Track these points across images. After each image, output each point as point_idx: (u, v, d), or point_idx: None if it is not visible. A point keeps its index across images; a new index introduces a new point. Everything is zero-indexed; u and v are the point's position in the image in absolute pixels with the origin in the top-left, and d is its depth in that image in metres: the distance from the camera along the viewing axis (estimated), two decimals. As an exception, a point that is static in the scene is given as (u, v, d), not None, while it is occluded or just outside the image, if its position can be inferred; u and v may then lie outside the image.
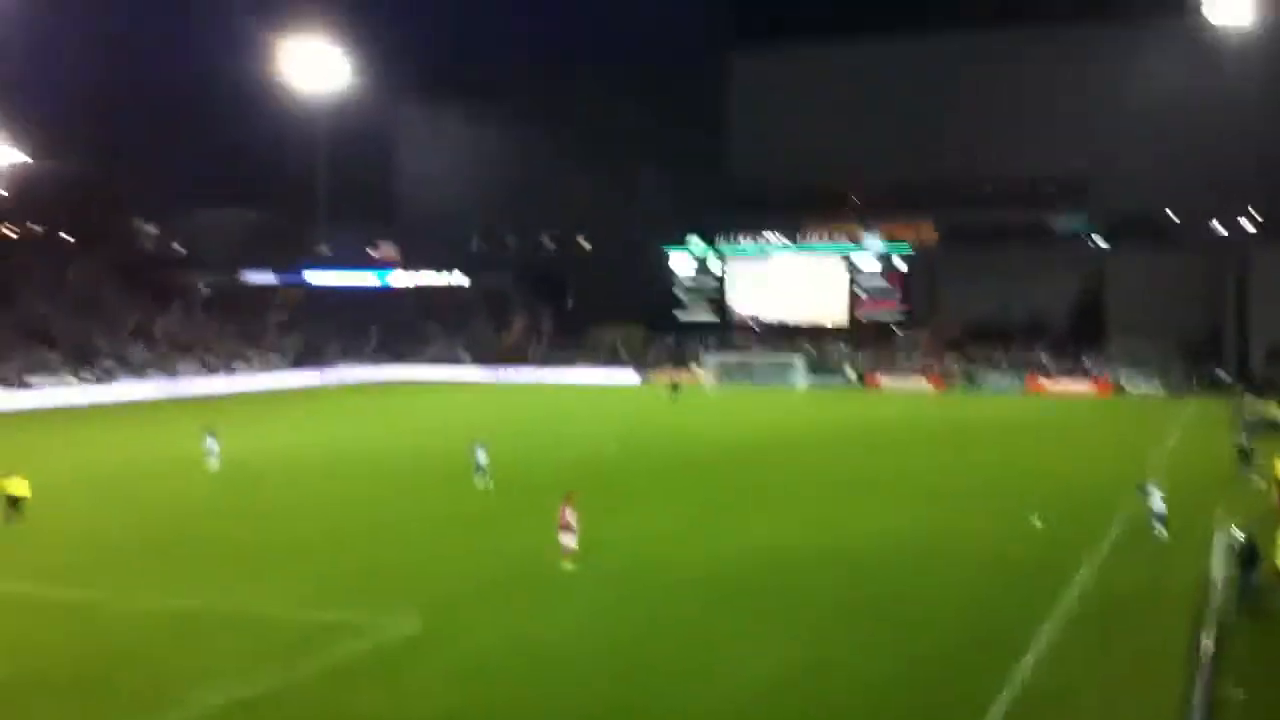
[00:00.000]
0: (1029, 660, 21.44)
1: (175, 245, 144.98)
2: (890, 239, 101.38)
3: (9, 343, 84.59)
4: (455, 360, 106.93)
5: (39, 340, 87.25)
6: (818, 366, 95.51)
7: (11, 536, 32.14)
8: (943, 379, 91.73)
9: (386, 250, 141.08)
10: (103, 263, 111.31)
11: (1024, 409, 74.37)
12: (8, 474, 33.67)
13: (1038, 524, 33.39)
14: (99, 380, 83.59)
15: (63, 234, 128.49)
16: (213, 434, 46.64)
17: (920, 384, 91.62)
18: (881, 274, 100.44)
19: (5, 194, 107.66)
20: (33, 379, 79.98)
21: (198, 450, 46.43)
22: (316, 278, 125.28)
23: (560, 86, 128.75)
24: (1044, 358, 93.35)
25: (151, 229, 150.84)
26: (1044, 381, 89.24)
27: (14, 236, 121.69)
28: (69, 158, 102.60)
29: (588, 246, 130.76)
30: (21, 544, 31.54)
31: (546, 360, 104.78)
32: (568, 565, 28.21)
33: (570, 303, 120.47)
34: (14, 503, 33.19)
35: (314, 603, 25.39)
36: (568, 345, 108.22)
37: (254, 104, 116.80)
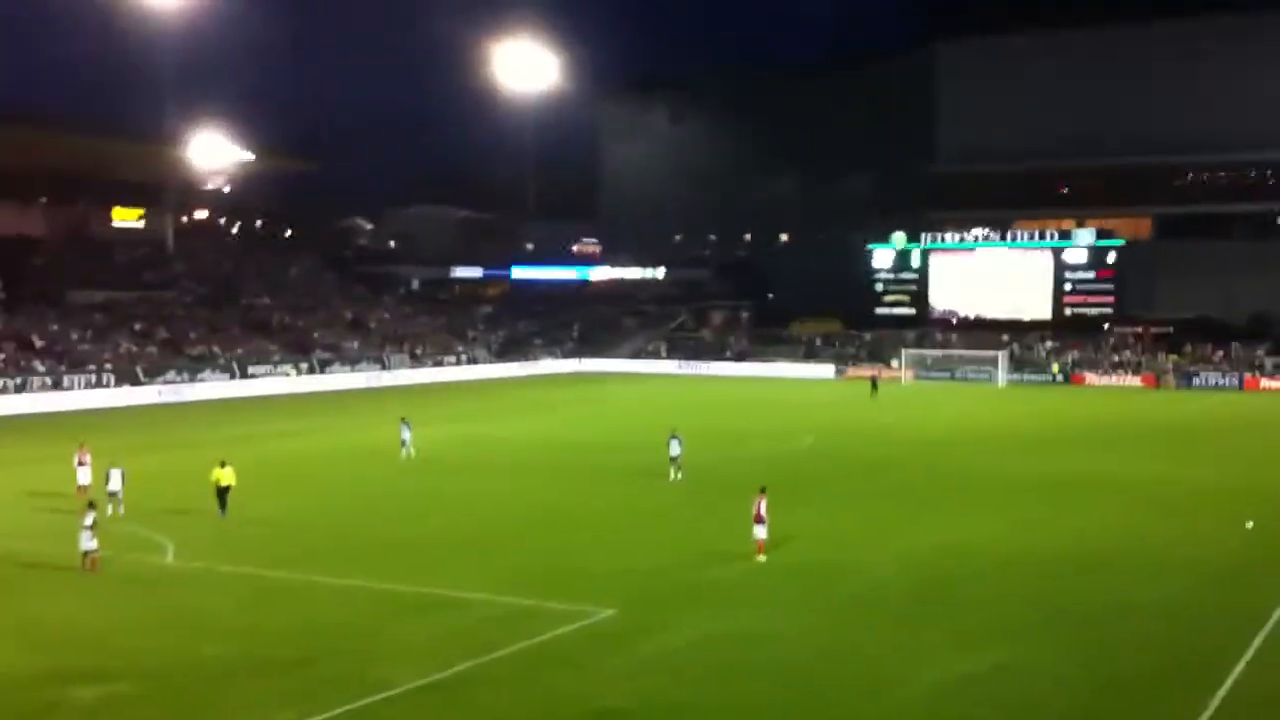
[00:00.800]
0: (1240, 670, 20.59)
1: (389, 241, 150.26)
2: (1102, 231, 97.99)
3: (232, 334, 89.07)
4: (654, 354, 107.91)
5: (260, 332, 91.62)
6: (1020, 362, 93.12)
7: (229, 519, 33.78)
8: (1155, 377, 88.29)
9: (589, 246, 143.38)
10: (320, 258, 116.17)
11: (1240, 408, 71.05)
12: (220, 464, 34.98)
13: (1249, 525, 32.02)
14: (315, 371, 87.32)
15: (282, 230, 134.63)
16: (408, 424, 48.26)
17: (1129, 381, 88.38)
18: (1090, 267, 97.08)
19: (229, 191, 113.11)
20: (254, 369, 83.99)
21: (396, 439, 48.08)
22: (521, 273, 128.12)
23: (761, 82, 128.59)
24: (1265, 357, 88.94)
25: (366, 225, 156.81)
26: (1265, 381, 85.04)
27: (237, 232, 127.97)
28: (290, 157, 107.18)
29: (787, 241, 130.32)
30: (237, 527, 33.19)
31: (745, 355, 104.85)
32: (761, 559, 28.37)
33: (769, 297, 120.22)
34: (224, 492, 34.41)
35: (509, 589, 26.03)
36: (766, 339, 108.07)
37: (465, 105, 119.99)
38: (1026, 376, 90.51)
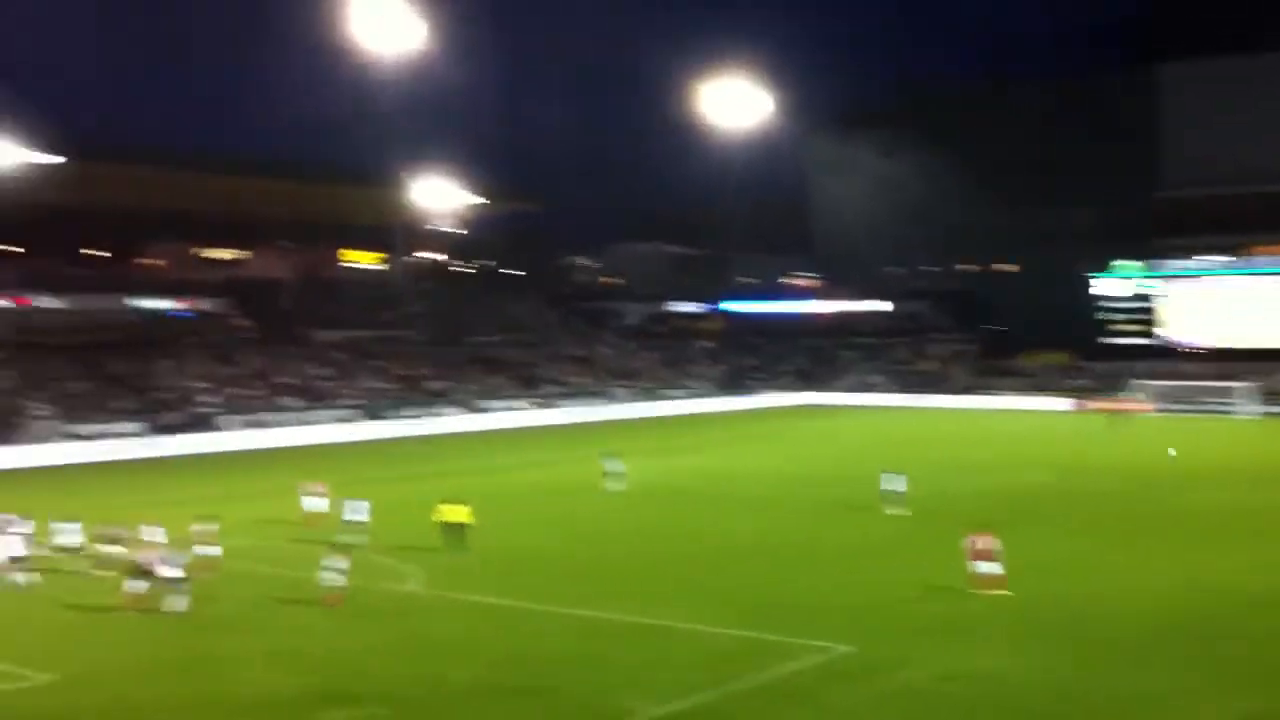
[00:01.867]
0: None
1: (608, 278, 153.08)
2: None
3: (464, 370, 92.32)
4: (873, 386, 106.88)
5: (490, 368, 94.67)
6: (1270, 394, 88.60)
7: (467, 552, 34.91)
8: None
9: (804, 279, 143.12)
10: (544, 295, 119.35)
11: None
12: (449, 501, 35.79)
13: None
14: (542, 405, 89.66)
15: (508, 269, 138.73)
16: (615, 457, 49.22)
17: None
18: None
19: (458, 233, 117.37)
20: (486, 403, 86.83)
21: (613, 470, 49.02)
22: (738, 307, 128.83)
23: (976, 109, 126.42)
24: None
25: (586, 263, 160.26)
26: None
27: (466, 272, 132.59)
28: (514, 198, 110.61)
29: (1010, 270, 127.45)
30: (475, 557, 34.29)
31: (968, 386, 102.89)
32: (985, 594, 28.01)
33: (992, 328, 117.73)
34: (456, 529, 35.04)
35: (735, 622, 26.28)
36: (989, 371, 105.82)
37: (678, 142, 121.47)
38: (1272, 409, 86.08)
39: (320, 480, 41.90)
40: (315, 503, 40.02)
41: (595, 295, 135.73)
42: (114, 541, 31.15)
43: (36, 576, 30.27)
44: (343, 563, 28.48)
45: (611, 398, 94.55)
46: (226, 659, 24.02)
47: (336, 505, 38.64)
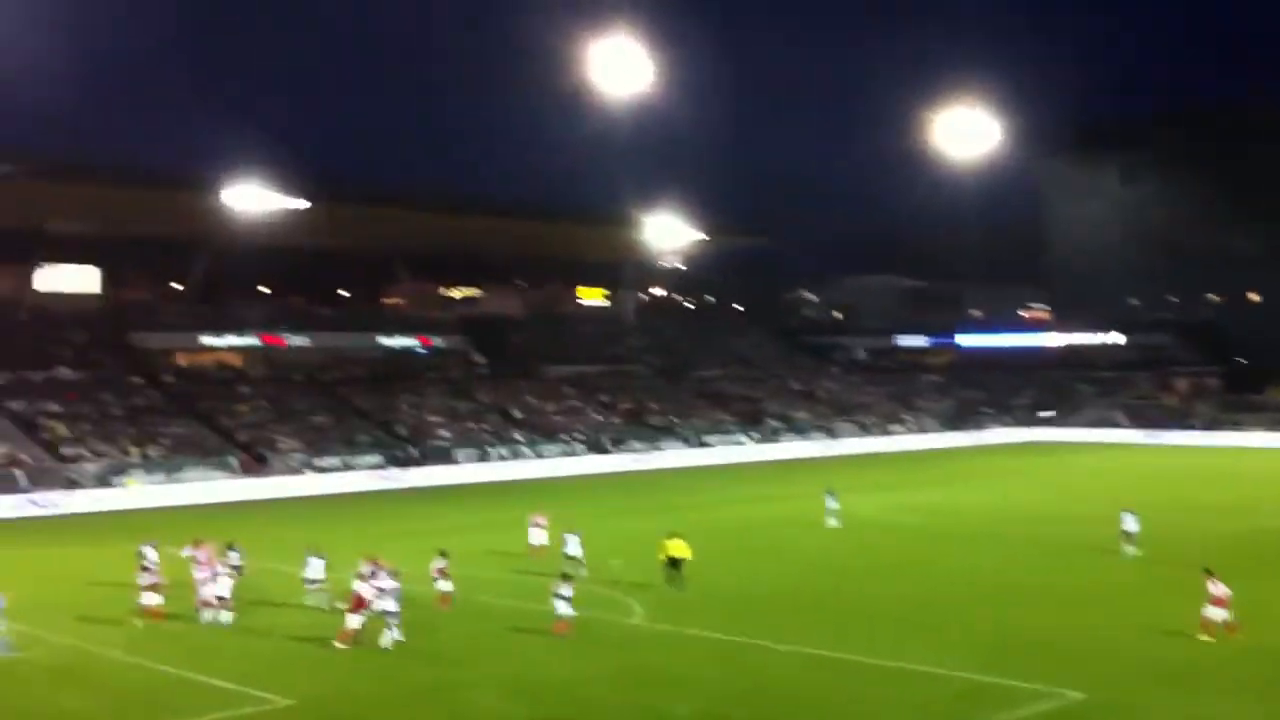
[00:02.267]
0: None
1: (833, 312, 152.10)
2: None
3: (689, 405, 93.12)
4: (1112, 422, 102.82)
5: (714, 403, 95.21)
6: None
7: (688, 586, 35.14)
8: None
9: (1038, 311, 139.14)
10: (768, 330, 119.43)
11: None
12: (671, 535, 35.81)
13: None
14: (767, 440, 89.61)
15: (732, 304, 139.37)
16: (834, 493, 48.75)
17: None
18: None
19: (683, 268, 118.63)
20: (710, 438, 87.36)
21: (836, 506, 48.50)
22: (968, 340, 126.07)
23: (1222, 128, 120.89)
24: None
25: (811, 297, 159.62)
26: None
27: (691, 308, 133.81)
28: (738, 233, 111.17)
29: (1257, 300, 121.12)
30: (697, 591, 34.44)
31: (1213, 423, 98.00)
32: (1218, 642, 26.71)
33: (1240, 362, 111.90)
34: (675, 564, 35.05)
35: (965, 664, 25.65)
36: (1235, 406, 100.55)
37: (906, 172, 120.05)
38: None
39: (546, 513, 42.91)
40: (539, 535, 41.02)
41: (821, 329, 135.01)
42: (358, 576, 32.32)
43: (227, 616, 31.00)
44: (569, 591, 28.98)
45: (836, 433, 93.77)
46: (459, 687, 24.77)
47: (557, 538, 39.47)
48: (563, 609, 28.84)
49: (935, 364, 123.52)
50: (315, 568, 32.47)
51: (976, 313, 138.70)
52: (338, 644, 27.63)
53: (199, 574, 31.64)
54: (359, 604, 28.17)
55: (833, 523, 47.79)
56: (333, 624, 29.15)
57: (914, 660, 26.04)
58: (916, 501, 57.14)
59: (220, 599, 30.78)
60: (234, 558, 33.80)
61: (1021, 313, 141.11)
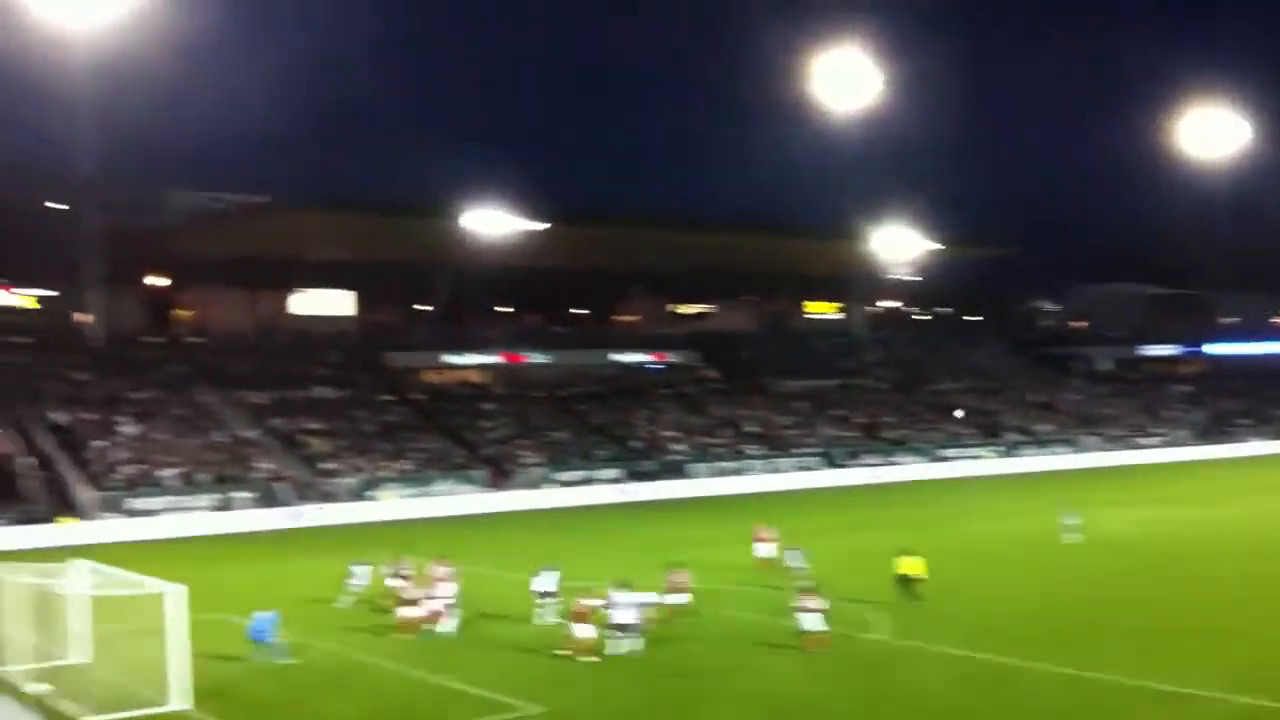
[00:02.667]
0: None
1: (1073, 322, 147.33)
2: None
3: (924, 418, 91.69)
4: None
5: (950, 416, 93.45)
6: None
7: (925, 602, 34.59)
8: None
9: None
10: (1004, 341, 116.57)
11: None
12: (903, 553, 35.26)
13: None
14: (1005, 454, 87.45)
15: (967, 315, 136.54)
16: (1072, 508, 47.22)
17: None
18: None
19: (916, 280, 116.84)
20: (946, 452, 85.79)
21: (1075, 522, 46.93)
22: (1218, 348, 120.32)
23: None
24: None
25: (1049, 306, 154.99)
26: None
27: (924, 319, 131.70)
28: (973, 244, 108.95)
29: None
30: (941, 607, 33.96)
31: None
32: None
33: None
34: (908, 581, 34.50)
35: (1245, 687, 24.24)
36: None
37: (1150, 178, 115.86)
38: None
39: (779, 526, 42.99)
40: (765, 549, 41.06)
41: (1060, 339, 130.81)
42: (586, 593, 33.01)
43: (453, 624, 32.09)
44: (820, 616, 28.75)
45: (1079, 446, 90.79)
46: (703, 701, 24.97)
47: (779, 552, 39.54)
48: (813, 623, 28.74)
49: (1184, 374, 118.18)
50: (547, 581, 32.99)
51: (1227, 320, 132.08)
52: (578, 657, 28.32)
53: (436, 589, 32.66)
54: (581, 616, 28.80)
55: (1071, 538, 46.39)
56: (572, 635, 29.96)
57: (1181, 682, 24.82)
58: (1166, 516, 54.86)
59: (449, 608, 31.96)
60: (440, 572, 34.05)
61: (1277, 320, 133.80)
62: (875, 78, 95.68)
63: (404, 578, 33.68)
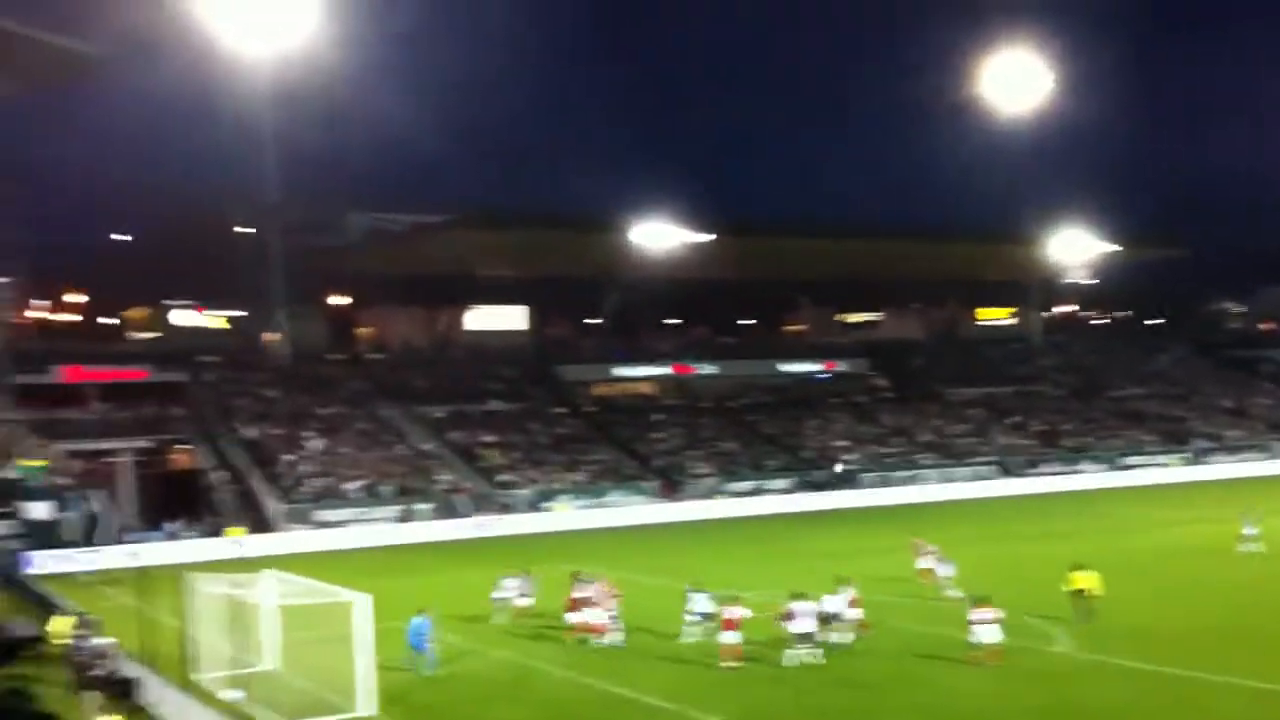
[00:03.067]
0: None
1: (1259, 324, 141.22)
2: None
3: (1105, 425, 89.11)
4: None
5: (1132, 422, 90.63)
6: None
7: (1096, 622, 33.58)
8: None
9: None
10: (1190, 344, 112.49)
11: None
12: (1077, 567, 33.87)
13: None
14: (1192, 461, 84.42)
15: (1148, 319, 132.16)
16: (1254, 516, 45.23)
17: None
18: None
19: (1093, 283, 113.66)
20: (1128, 459, 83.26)
21: (1254, 532, 45.08)
22: None
23: None
24: None
25: (1235, 308, 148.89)
26: None
27: (1103, 324, 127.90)
28: (1154, 244, 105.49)
29: None
30: (1122, 618, 32.96)
31: None
32: None
33: None
34: (1081, 596, 33.12)
35: None
36: None
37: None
38: None
39: (950, 536, 42.32)
40: (927, 560, 40.43)
41: (1248, 341, 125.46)
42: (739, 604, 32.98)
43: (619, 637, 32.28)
44: (996, 627, 28.22)
45: (1272, 452, 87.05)
46: (878, 714, 24.79)
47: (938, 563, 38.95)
48: (988, 635, 28.11)
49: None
50: (698, 602, 32.41)
51: None
52: (721, 663, 28.44)
53: (597, 604, 32.77)
54: (730, 624, 28.87)
55: (1249, 548, 44.52)
56: (753, 643, 30.14)
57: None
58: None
59: (613, 619, 32.28)
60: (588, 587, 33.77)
61: None
62: (1045, 77, 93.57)
63: (582, 582, 33.97)
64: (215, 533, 58.87)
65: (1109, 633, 31.43)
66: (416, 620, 28.96)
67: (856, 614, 31.78)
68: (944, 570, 38.03)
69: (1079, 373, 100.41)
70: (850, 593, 31.38)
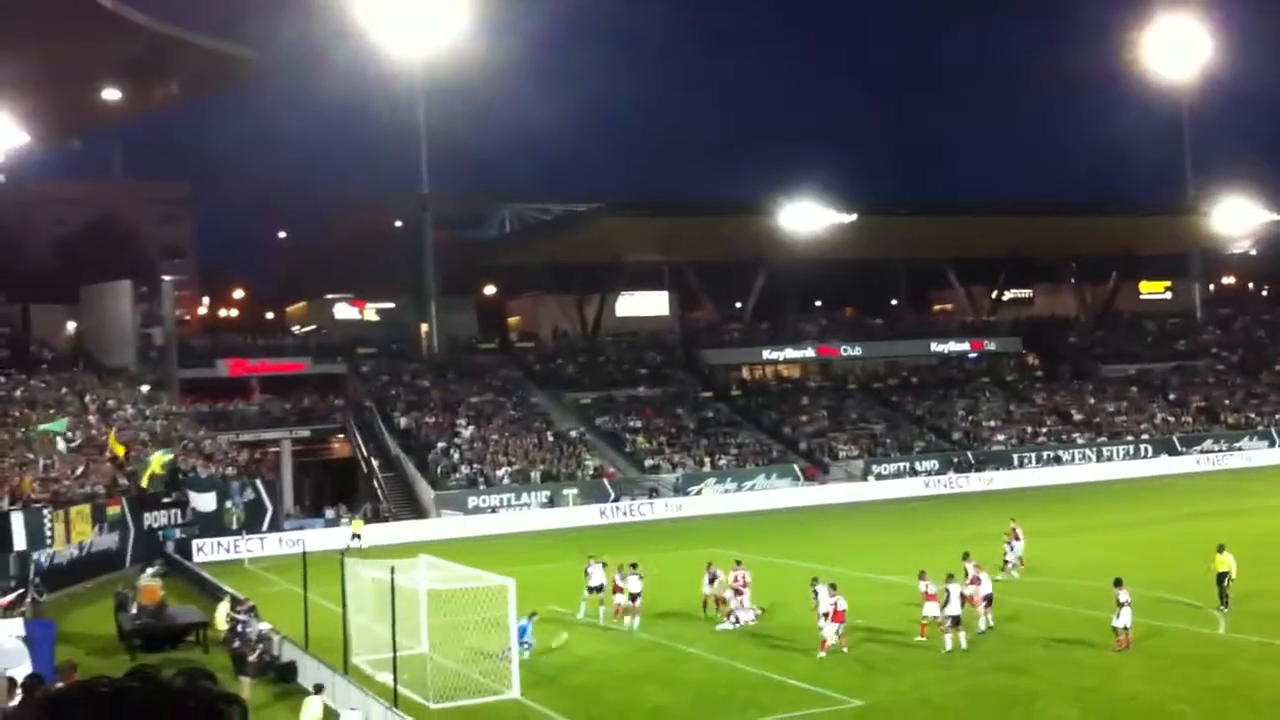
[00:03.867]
0: None
1: None
2: None
3: (1270, 400, 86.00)
4: None
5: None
6: None
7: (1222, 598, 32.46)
8: None
9: None
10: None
11: None
12: (1221, 549, 32.36)
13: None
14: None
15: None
16: None
17: None
18: None
19: (1257, 254, 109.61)
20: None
21: None
22: None
23: None
24: None
25: None
26: None
27: (1268, 296, 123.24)
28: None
29: None
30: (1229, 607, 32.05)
31: None
32: None
33: None
34: (1222, 579, 31.68)
35: None
36: None
37: None
38: None
39: (1105, 519, 41.46)
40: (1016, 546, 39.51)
41: None
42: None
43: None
44: (1127, 609, 27.55)
45: None
46: (1031, 697, 24.52)
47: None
48: (1123, 619, 27.51)
49: None
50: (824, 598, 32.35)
51: None
52: (822, 653, 28.44)
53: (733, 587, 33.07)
54: (838, 616, 28.72)
55: None
56: (898, 628, 30.13)
57: None
58: None
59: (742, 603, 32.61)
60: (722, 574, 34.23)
61: None
62: (1205, 43, 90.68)
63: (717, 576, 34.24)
64: (376, 519, 60.60)
65: (1261, 613, 30.64)
66: (523, 622, 28.21)
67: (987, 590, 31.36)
68: (1011, 552, 37.92)
69: (1242, 347, 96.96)
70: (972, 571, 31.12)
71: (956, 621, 28.65)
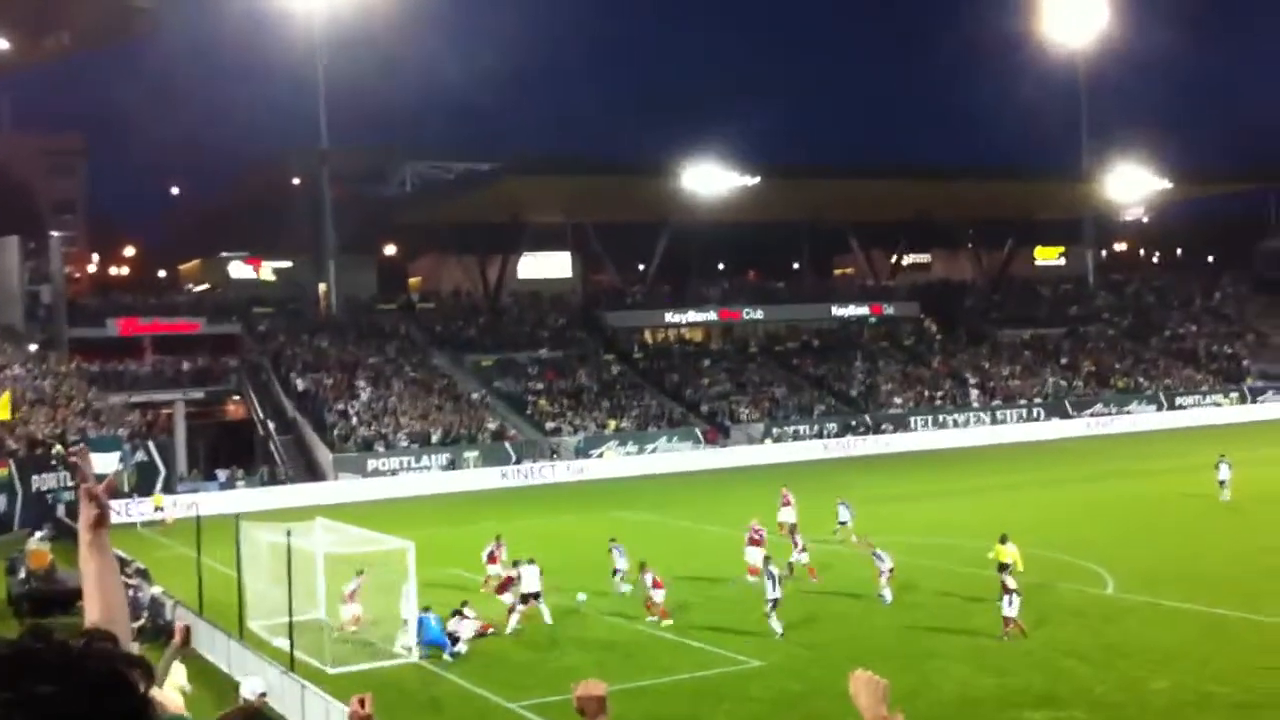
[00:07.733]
0: None
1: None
2: None
3: (1158, 365, 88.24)
4: None
5: (1186, 362, 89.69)
6: None
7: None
8: None
9: None
10: (1246, 282, 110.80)
11: None
12: (1002, 540, 30.94)
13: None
14: (1246, 400, 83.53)
15: (1205, 256, 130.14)
16: (1226, 462, 44.26)
17: None
18: None
19: (1147, 221, 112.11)
20: (1181, 399, 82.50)
21: (1226, 476, 44.29)
22: None
23: None
24: None
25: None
26: None
27: (1157, 262, 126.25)
28: (1205, 181, 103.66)
29: None
30: (1172, 559, 33.03)
31: None
32: None
33: None
34: (1003, 569, 30.08)
35: None
36: None
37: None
38: None
39: (995, 481, 42.21)
40: (787, 512, 39.12)
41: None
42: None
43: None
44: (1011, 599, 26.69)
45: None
46: (927, 656, 24.88)
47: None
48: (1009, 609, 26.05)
49: None
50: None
51: None
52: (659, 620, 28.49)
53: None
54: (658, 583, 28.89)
55: (1226, 496, 43.65)
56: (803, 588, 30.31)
57: None
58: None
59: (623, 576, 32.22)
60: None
61: None
62: (1101, 11, 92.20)
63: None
64: (272, 482, 59.70)
65: (1160, 574, 31.45)
66: (423, 616, 26.22)
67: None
68: (843, 514, 38.36)
69: (1132, 312, 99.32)
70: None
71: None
